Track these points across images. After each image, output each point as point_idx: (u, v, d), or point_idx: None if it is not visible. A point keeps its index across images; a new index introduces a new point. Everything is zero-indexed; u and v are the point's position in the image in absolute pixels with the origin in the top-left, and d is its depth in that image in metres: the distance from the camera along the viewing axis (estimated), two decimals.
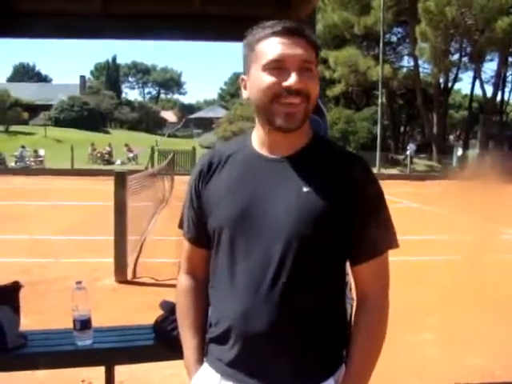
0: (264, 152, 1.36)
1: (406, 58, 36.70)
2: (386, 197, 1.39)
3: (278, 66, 1.26)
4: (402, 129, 42.71)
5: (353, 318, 1.39)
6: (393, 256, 1.40)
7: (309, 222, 1.27)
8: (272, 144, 1.35)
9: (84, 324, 2.44)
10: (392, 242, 1.36)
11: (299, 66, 1.26)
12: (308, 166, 1.32)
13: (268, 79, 1.27)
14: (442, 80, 34.65)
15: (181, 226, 1.52)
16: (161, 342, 2.55)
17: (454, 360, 3.90)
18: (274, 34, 1.27)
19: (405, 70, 35.82)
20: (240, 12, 2.81)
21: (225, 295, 1.35)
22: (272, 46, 1.27)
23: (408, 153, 28.45)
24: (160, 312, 2.68)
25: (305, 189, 1.29)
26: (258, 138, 1.38)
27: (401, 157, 31.10)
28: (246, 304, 1.29)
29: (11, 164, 25.74)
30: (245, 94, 1.36)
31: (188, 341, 1.47)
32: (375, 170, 24.05)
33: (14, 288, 2.55)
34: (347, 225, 1.30)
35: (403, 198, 14.49)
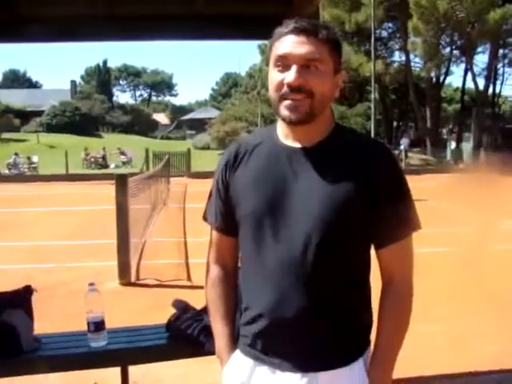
0: (288, 143, 1.40)
1: (397, 52, 36.78)
2: None
3: (283, 64, 1.31)
4: (395, 124, 42.80)
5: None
6: None
7: (333, 209, 1.31)
8: (294, 135, 1.39)
9: (98, 325, 2.45)
10: (415, 225, 1.40)
11: (301, 63, 1.29)
12: (330, 155, 1.36)
13: (276, 76, 1.33)
14: (433, 74, 34.70)
15: (205, 218, 1.56)
16: (174, 341, 2.57)
17: (462, 349, 3.93)
18: (287, 33, 1.32)
19: (396, 64, 35.88)
20: (242, 11, 2.82)
21: (254, 282, 1.39)
22: (282, 45, 1.32)
23: (402, 147, 28.48)
24: (171, 311, 2.70)
25: (328, 177, 1.32)
26: (281, 130, 1.42)
27: (395, 152, 31.15)
28: (276, 289, 1.33)
29: (5, 171, 25.55)
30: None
31: (220, 330, 1.50)
32: None
33: (27, 292, 2.56)
34: (371, 210, 1.33)
35: None
